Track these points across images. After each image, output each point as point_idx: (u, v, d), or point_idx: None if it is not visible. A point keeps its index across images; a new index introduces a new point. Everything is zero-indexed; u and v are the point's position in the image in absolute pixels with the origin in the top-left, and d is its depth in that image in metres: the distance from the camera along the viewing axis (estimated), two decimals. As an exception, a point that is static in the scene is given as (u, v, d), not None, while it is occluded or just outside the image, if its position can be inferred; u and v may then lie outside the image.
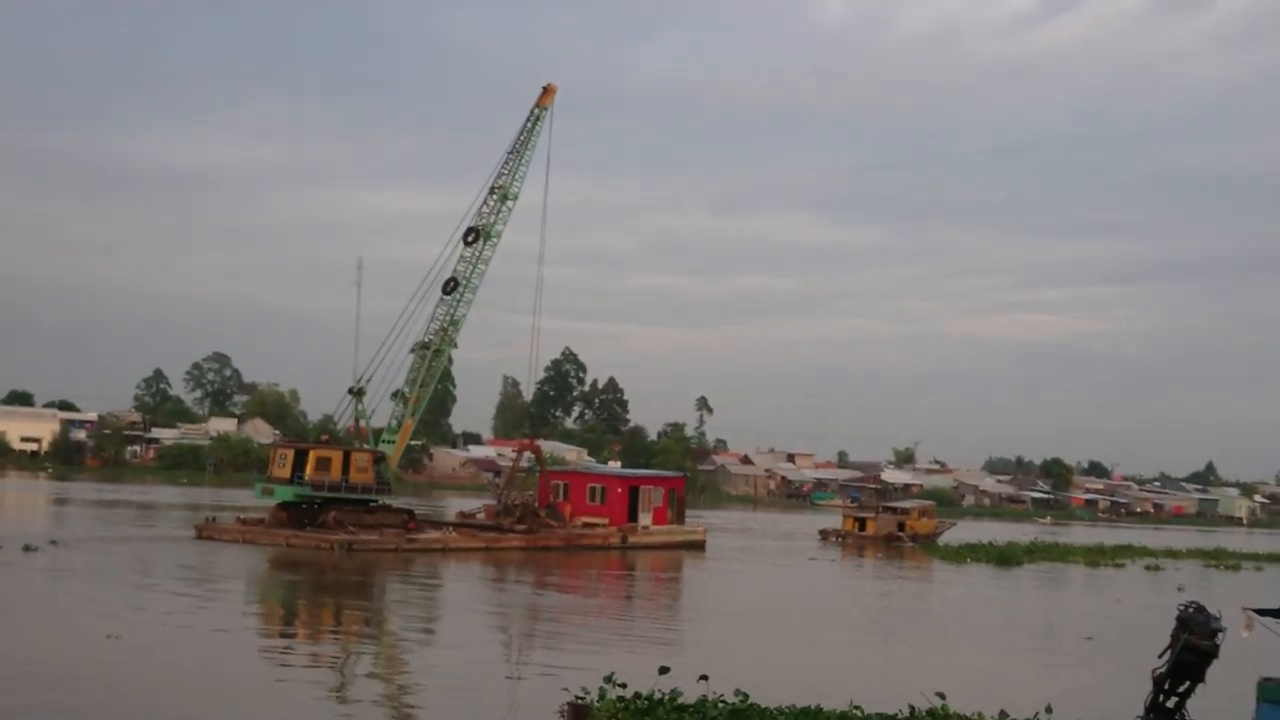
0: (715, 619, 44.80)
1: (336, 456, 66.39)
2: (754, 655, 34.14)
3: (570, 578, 58.07)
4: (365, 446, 70.10)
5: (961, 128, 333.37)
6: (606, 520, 75.85)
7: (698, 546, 77.14)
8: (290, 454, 67.27)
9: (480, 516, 74.87)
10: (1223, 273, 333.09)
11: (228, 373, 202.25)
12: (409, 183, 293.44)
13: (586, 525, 75.10)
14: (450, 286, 69.87)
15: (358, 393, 70.26)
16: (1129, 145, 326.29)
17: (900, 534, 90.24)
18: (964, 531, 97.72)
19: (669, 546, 75.75)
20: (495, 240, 70.46)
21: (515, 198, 70.83)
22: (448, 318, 70.46)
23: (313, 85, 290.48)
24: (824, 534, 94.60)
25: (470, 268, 70.06)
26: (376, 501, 67.77)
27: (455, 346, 73.71)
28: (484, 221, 70.15)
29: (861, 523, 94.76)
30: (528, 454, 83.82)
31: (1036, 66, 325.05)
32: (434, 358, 71.03)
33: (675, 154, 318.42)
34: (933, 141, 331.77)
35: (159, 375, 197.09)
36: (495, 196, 70.30)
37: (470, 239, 69.95)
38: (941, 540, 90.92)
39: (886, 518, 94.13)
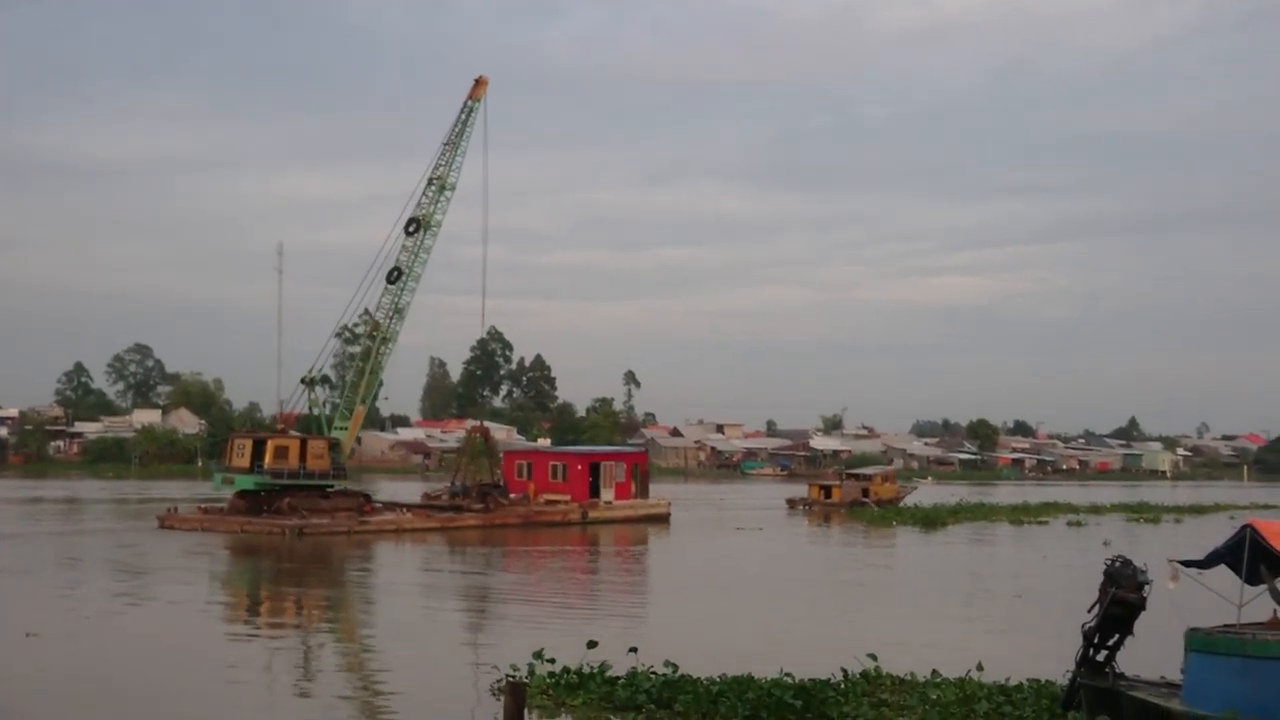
0: (653, 590, 44.83)
1: (294, 445, 68.48)
2: (687, 624, 34.17)
3: (521, 554, 58.34)
4: (291, 432, 70.46)
5: (877, 95, 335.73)
6: (569, 497, 77.09)
7: (662, 519, 78.02)
8: (249, 444, 69.30)
9: (445, 498, 75.93)
10: (1139, 230, 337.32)
11: (150, 364, 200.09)
12: (322, 166, 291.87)
13: (549, 502, 76.43)
14: (394, 276, 71.59)
15: (310, 382, 72.07)
16: (1043, 106, 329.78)
17: (865, 500, 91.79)
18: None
19: (631, 520, 76.57)
20: (436, 230, 72.41)
21: (453, 188, 72.76)
22: (393, 306, 71.85)
23: (219, 71, 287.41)
24: (791, 502, 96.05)
25: (413, 257, 71.93)
26: (333, 486, 69.50)
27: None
28: (424, 212, 71.99)
29: (827, 490, 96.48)
30: (477, 437, 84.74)
31: (948, 31, 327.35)
32: (381, 345, 72.41)
33: (593, 129, 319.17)
34: (849, 109, 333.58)
35: (80, 369, 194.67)
36: (434, 187, 72.18)
37: (411, 229, 71.83)
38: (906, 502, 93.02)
39: (851, 484, 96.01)
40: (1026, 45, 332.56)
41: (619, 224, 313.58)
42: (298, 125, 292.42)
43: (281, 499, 66.34)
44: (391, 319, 71.84)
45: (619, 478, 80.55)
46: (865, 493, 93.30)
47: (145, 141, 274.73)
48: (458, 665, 28.05)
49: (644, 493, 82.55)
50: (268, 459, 67.09)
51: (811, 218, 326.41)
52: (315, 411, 72.83)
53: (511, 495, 76.25)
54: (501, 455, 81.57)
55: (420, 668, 27.44)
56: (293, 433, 71.62)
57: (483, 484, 75.45)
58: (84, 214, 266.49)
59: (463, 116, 72.64)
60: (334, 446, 70.16)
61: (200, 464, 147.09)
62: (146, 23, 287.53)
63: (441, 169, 72.11)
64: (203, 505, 70.08)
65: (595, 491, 78.41)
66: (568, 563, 55.70)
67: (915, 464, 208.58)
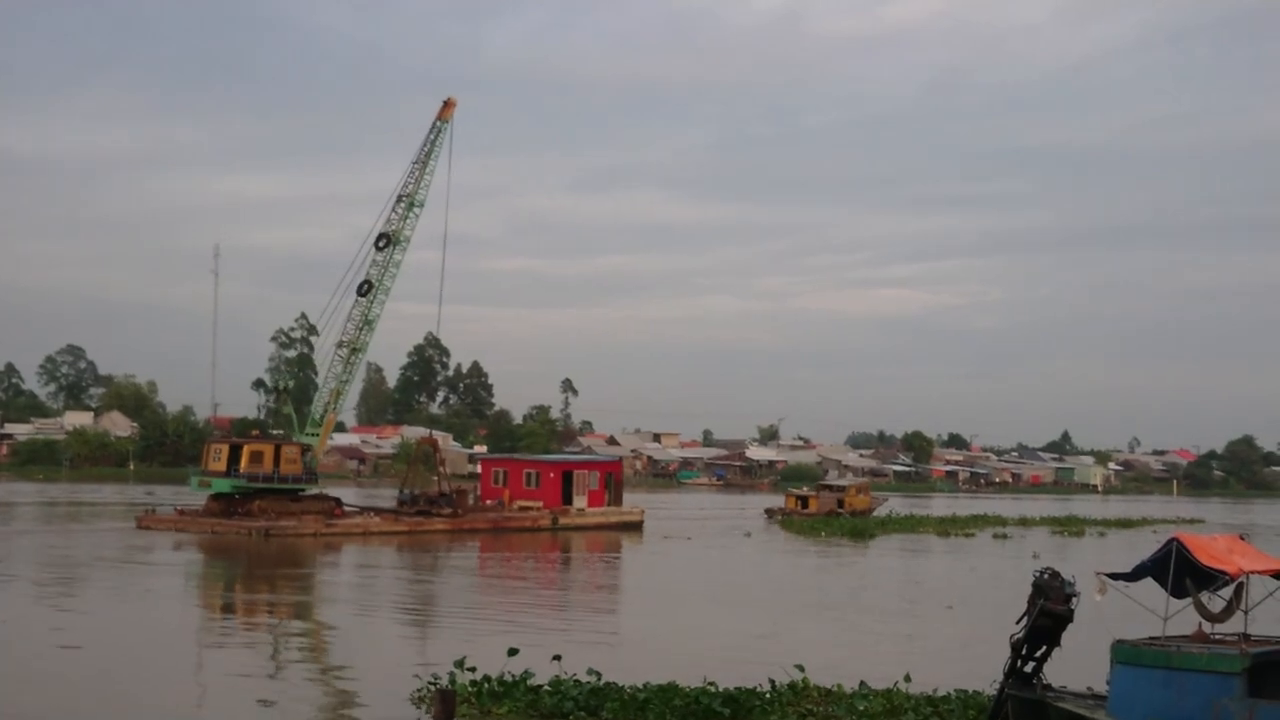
0: (590, 598, 44.67)
1: (269, 450, 71.21)
2: (619, 632, 34.01)
3: (475, 560, 58.74)
4: (226, 435, 70.82)
5: (817, 103, 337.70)
6: (541, 503, 78.91)
7: (634, 527, 79.60)
8: (225, 449, 71.77)
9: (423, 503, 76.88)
10: (1073, 244, 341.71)
11: (82, 365, 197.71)
12: (262, 166, 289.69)
13: (522, 508, 78.27)
14: (365, 289, 73.83)
15: (285, 390, 76.97)
16: (980, 119, 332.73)
17: (840, 510, 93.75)
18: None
19: (603, 528, 78.08)
20: (405, 245, 74.62)
21: (422, 204, 75.01)
22: (363, 318, 74.07)
23: (158, 68, 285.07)
24: (770, 512, 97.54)
25: (383, 271, 74.11)
26: (304, 491, 71.73)
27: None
28: (393, 228, 74.09)
29: (804, 501, 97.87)
30: (425, 447, 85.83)
31: (888, 41, 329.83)
32: (352, 355, 74.70)
33: (534, 134, 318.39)
34: (789, 118, 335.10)
35: (10, 369, 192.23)
36: (403, 205, 74.35)
37: (381, 245, 74.10)
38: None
39: (827, 495, 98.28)
40: (965, 57, 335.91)
41: (558, 230, 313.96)
42: (235, 124, 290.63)
43: (254, 502, 68.13)
44: (362, 330, 73.87)
45: (592, 486, 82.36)
46: (840, 504, 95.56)
47: (80, 138, 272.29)
48: (378, 673, 27.62)
49: (617, 501, 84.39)
50: (244, 463, 69.30)
51: (750, 226, 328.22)
52: (291, 417, 74.81)
53: (487, 502, 78.94)
54: (479, 464, 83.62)
55: (346, 674, 27.18)
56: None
57: (434, 493, 76.52)
58: (16, 211, 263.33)
59: (431, 136, 74.55)
60: (306, 451, 72.13)
61: (132, 467, 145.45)
62: (83, 18, 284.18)
63: (410, 187, 73.97)
64: (179, 507, 72.02)
65: (568, 499, 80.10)
66: (519, 570, 55.28)
67: (850, 475, 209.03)
